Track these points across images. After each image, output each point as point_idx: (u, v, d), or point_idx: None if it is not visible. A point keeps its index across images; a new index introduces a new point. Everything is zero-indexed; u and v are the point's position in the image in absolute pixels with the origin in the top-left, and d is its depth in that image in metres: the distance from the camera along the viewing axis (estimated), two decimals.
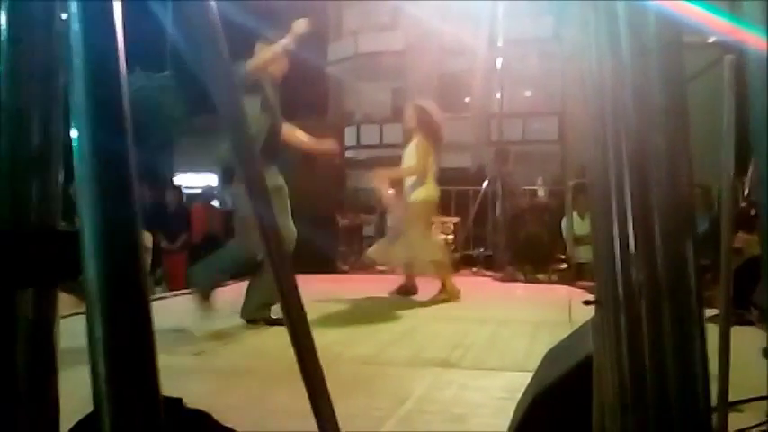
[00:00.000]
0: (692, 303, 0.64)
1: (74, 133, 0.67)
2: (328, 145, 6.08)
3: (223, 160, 5.08)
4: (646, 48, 0.78)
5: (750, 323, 4.30)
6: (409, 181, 6.61)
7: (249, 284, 5.06)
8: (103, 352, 0.59)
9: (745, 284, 4.21)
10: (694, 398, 0.64)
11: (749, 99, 0.48)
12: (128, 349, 0.61)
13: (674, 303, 0.67)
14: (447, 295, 6.53)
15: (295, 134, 5.53)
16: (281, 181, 4.96)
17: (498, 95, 12.10)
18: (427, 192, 6.60)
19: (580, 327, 2.20)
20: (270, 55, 4.91)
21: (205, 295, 4.87)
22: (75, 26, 0.68)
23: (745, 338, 2.98)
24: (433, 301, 6.41)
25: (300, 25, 4.95)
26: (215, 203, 13.16)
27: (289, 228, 4.87)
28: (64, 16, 0.71)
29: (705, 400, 0.66)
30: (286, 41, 4.91)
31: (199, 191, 14.68)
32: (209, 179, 20.34)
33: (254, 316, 4.97)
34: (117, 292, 0.63)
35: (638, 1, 0.84)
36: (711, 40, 2.44)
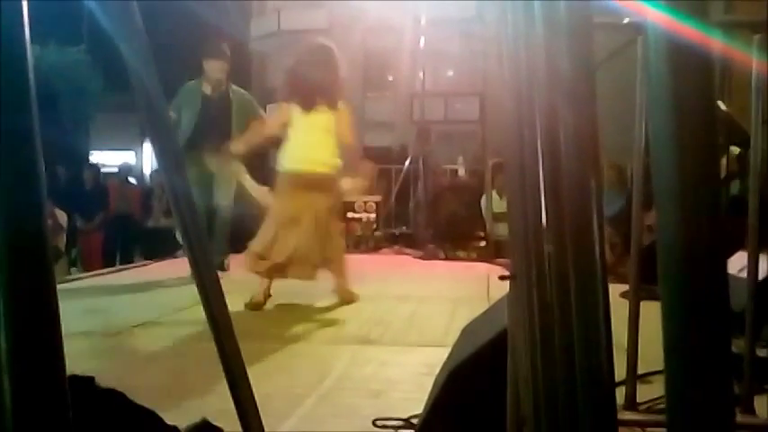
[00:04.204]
0: (596, 276, 0.67)
1: None
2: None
3: None
4: (557, 28, 0.80)
5: (660, 298, 4.43)
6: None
7: None
8: (5, 328, 0.58)
9: (656, 260, 4.33)
10: (598, 367, 0.67)
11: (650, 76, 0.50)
12: (31, 326, 0.60)
13: (578, 276, 0.69)
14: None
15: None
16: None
17: (421, 75, 12.12)
18: None
19: (495, 302, 2.25)
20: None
21: None
22: None
23: (655, 313, 3.06)
24: None
25: None
26: (132, 181, 12.87)
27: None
28: None
29: (609, 370, 0.69)
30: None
31: (115, 169, 14.29)
32: (126, 156, 19.83)
33: None
34: (21, 270, 0.62)
35: None
36: (626, 20, 2.50)
